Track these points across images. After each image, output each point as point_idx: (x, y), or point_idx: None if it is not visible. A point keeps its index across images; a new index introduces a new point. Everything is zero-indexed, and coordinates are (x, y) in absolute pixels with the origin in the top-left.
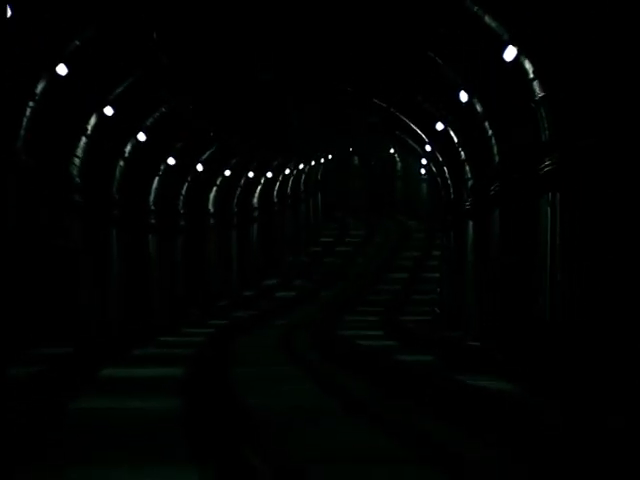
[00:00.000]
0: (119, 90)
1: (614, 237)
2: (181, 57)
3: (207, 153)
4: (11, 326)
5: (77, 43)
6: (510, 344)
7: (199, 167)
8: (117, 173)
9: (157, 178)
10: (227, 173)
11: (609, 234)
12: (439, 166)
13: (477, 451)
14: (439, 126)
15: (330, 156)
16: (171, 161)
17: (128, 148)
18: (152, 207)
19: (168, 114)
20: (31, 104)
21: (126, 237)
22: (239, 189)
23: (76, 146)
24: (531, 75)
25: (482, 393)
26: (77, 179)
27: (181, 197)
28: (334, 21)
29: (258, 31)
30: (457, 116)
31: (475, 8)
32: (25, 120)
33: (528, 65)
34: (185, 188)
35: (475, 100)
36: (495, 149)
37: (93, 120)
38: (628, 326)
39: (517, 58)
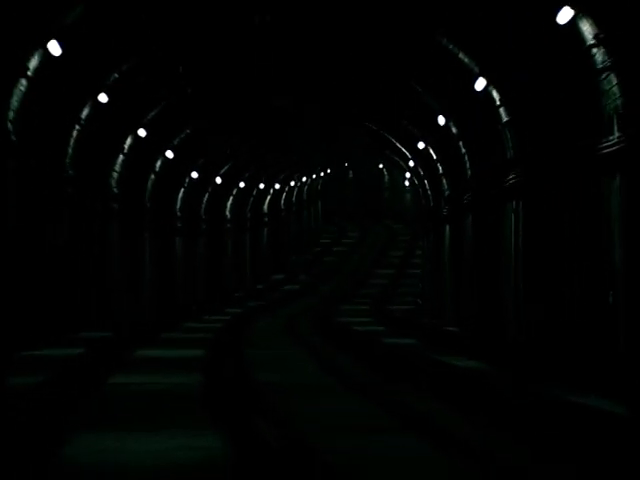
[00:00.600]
0: (151, 115)
1: (563, 236)
2: (202, 87)
3: (225, 168)
4: (55, 312)
5: (116, 75)
6: (480, 330)
7: (218, 180)
8: (149, 185)
9: (182, 189)
10: (241, 185)
11: (559, 234)
12: (420, 179)
13: (449, 417)
14: (420, 145)
15: (329, 170)
16: (194, 175)
17: (158, 164)
18: (178, 213)
19: (192, 135)
20: (77, 127)
21: (156, 239)
22: (252, 198)
23: (114, 162)
24: (498, 102)
25: (455, 370)
26: (115, 190)
27: (203, 205)
28: (335, 63)
29: (270, 66)
30: (436, 137)
31: (451, 46)
32: (72, 140)
33: (495, 94)
34: (206, 197)
35: (451, 123)
36: (468, 165)
37: (129, 140)
38: (571, 308)
39: (486, 88)
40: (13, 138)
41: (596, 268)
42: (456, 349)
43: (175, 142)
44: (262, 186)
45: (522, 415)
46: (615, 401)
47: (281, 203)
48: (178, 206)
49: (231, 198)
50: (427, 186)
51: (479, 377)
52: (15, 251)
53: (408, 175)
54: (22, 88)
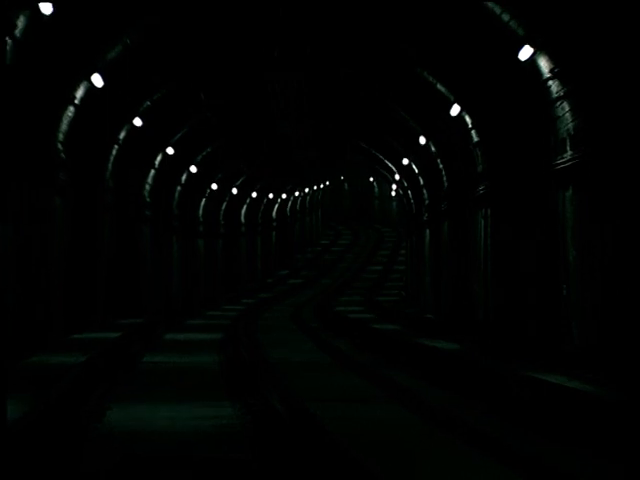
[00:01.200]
0: (177, 136)
1: (524, 238)
2: (221, 113)
3: (239, 181)
4: (97, 302)
5: (148, 103)
6: (454, 317)
7: (234, 191)
8: (176, 195)
9: (204, 199)
10: (254, 195)
11: (521, 236)
12: (405, 190)
13: (429, 390)
14: (405, 161)
15: (327, 183)
16: (214, 186)
17: (184, 177)
18: (201, 219)
19: (212, 153)
20: (116, 146)
21: (182, 241)
22: (262, 206)
23: (147, 175)
24: (470, 126)
25: (433, 349)
26: (148, 199)
27: (221, 212)
28: (333, 94)
29: (278, 99)
30: (418, 154)
31: (430, 78)
32: (112, 157)
33: (468, 119)
34: (224, 205)
35: (430, 143)
36: (445, 178)
37: (159, 157)
38: (532, 298)
39: (460, 114)
40: (63, 156)
41: (553, 265)
42: (433, 333)
43: (198, 159)
44: (271, 196)
45: (483, 385)
46: (558, 374)
47: (287, 210)
48: (200, 213)
49: (245, 206)
50: (410, 196)
51: (451, 355)
52: (67, 251)
53: (394, 186)
54: (70, 114)
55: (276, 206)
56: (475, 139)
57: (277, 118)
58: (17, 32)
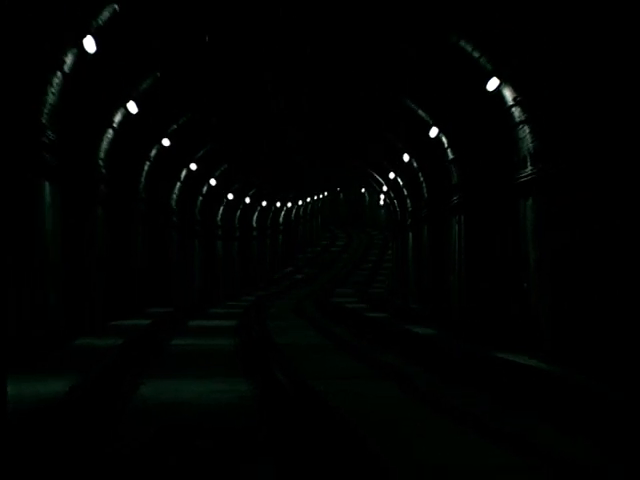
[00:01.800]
0: (199, 154)
1: (492, 241)
2: (236, 138)
3: (251, 192)
4: (132, 295)
5: (175, 126)
6: (434, 307)
7: (247, 200)
8: (198, 204)
9: (222, 207)
10: (264, 203)
11: (489, 239)
12: (391, 199)
13: (412, 368)
14: (391, 175)
15: (326, 193)
16: (230, 196)
17: (205, 189)
18: (219, 224)
19: (228, 169)
20: (147, 163)
21: (203, 243)
22: (271, 213)
23: (174, 188)
24: (446, 145)
25: (416, 334)
26: (175, 207)
27: (236, 218)
28: (329, 119)
29: (285, 118)
30: (402, 170)
31: (413, 105)
32: (144, 172)
33: (444, 139)
34: (238, 213)
35: (413, 160)
36: (425, 189)
37: (184, 172)
38: (498, 292)
39: (438, 135)
40: (103, 170)
41: (516, 264)
42: (416, 320)
43: (216, 173)
44: (278, 204)
45: (455, 363)
46: (519, 354)
47: (292, 216)
48: (219, 218)
49: (256, 213)
50: (396, 204)
51: (430, 339)
52: (108, 251)
53: (382, 196)
54: (109, 136)
55: (282, 213)
56: (450, 156)
57: (282, 140)
58: (66, 67)
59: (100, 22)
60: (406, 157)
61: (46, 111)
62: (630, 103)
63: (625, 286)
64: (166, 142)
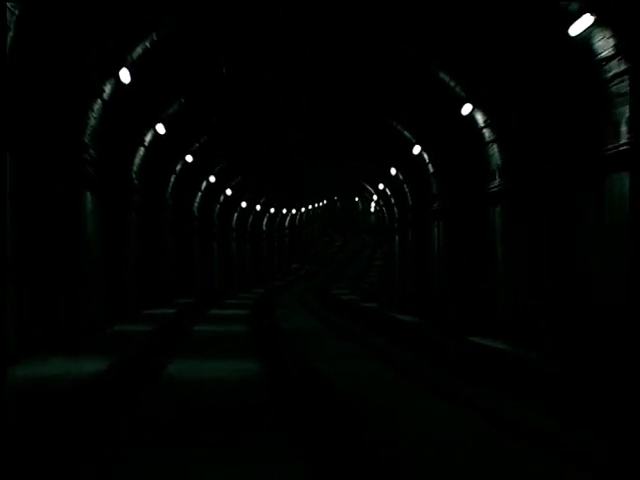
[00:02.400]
0: (217, 168)
1: (466, 242)
2: (245, 154)
3: (261, 200)
4: (160, 288)
5: (197, 145)
6: (416, 298)
7: (257, 207)
8: (216, 210)
9: (236, 213)
10: (272, 210)
11: (464, 240)
12: (381, 207)
13: (398, 350)
14: (381, 186)
15: (325, 201)
16: (243, 204)
17: (221, 198)
18: (234, 227)
19: (242, 181)
20: (173, 176)
21: (220, 244)
22: (278, 218)
23: (196, 197)
24: (427, 161)
25: (401, 321)
26: (196, 214)
27: (248, 223)
28: (327, 142)
29: (290, 138)
30: (390, 181)
31: (399, 126)
32: (170, 184)
33: (426, 156)
34: (250, 218)
35: (399, 173)
36: (409, 198)
37: (204, 184)
38: (471, 285)
39: (421, 152)
40: (136, 182)
41: (487, 261)
42: (401, 310)
43: (232, 184)
44: (285, 211)
45: (432, 345)
46: (487, 337)
47: (296, 221)
48: (234, 223)
49: (265, 218)
50: (384, 211)
51: (412, 325)
52: (139, 252)
53: (373, 204)
54: (141, 152)
55: (288, 218)
56: (431, 170)
57: (289, 156)
58: (105, 95)
59: (134, 57)
60: (393, 171)
61: (88, 132)
62: (567, 133)
63: (563, 277)
64: (189, 158)
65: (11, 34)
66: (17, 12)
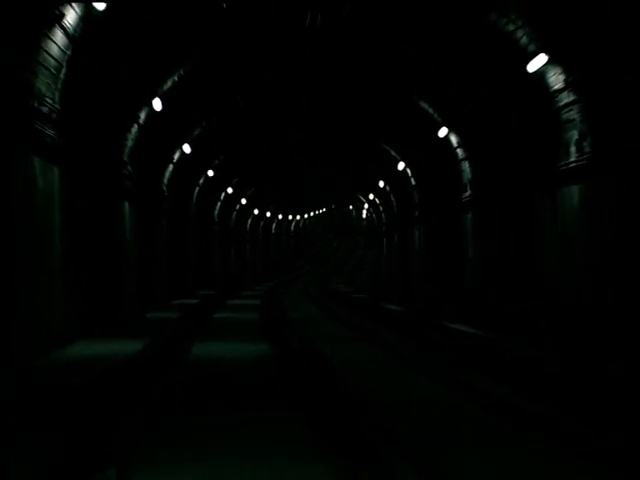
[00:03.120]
0: (234, 181)
1: (442, 243)
2: (257, 170)
3: (271, 208)
4: (185, 282)
5: (217, 161)
6: (401, 290)
7: (268, 214)
8: (233, 217)
9: (250, 219)
10: (280, 216)
11: (440, 242)
12: (371, 213)
13: (388, 334)
14: (371, 196)
15: (324, 209)
16: (256, 211)
17: (237, 206)
18: (248, 231)
19: (256, 191)
20: (197, 188)
21: (236, 245)
22: (284, 223)
23: (216, 206)
24: (410, 175)
25: (388, 310)
26: (216, 219)
27: (260, 226)
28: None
29: (297, 160)
30: (378, 193)
31: (387, 147)
32: (194, 195)
33: (409, 171)
34: (262, 223)
35: (387, 185)
36: (395, 206)
37: (223, 194)
38: (447, 278)
39: (404, 168)
40: (166, 193)
41: (460, 256)
42: (388, 300)
43: (247, 194)
44: (290, 217)
45: (414, 330)
46: (459, 323)
47: (300, 226)
48: (248, 228)
49: (274, 223)
50: (374, 217)
51: (397, 313)
52: (169, 252)
53: (365, 211)
54: (170, 169)
55: (293, 223)
56: (413, 183)
57: (295, 173)
58: (140, 120)
59: (164, 89)
60: (381, 183)
61: (126, 151)
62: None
63: (522, 274)
64: (210, 173)
65: (64, 71)
66: (69, 53)
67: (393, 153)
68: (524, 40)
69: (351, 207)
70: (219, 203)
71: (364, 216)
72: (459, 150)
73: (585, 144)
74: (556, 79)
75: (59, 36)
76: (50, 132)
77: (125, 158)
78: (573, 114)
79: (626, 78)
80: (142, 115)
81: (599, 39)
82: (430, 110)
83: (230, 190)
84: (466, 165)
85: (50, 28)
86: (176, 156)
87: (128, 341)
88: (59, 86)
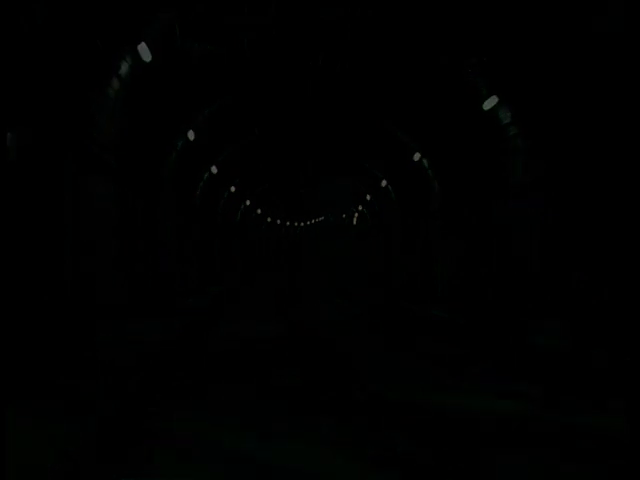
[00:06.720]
0: (258, 190)
1: (414, 243)
2: (270, 186)
3: (280, 216)
4: (204, 280)
5: (237, 180)
6: (384, 281)
7: (278, 221)
8: (250, 222)
9: (263, 226)
10: (287, 223)
11: (412, 243)
12: (359, 220)
13: (391, 326)
14: (360, 207)
15: (322, 218)
16: (269, 219)
17: (253, 215)
18: (262, 232)
19: (268, 204)
20: (222, 200)
21: (252, 244)
22: (291, 229)
23: (237, 213)
24: (391, 190)
25: (368, 294)
26: (238, 224)
27: (272, 231)
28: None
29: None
30: (366, 205)
31: (368, 165)
32: (220, 205)
33: (390, 188)
34: (274, 228)
35: (373, 199)
36: (379, 216)
37: (242, 206)
38: (419, 272)
39: (387, 185)
40: (198, 202)
41: (428, 260)
42: (371, 288)
43: (262, 205)
44: (296, 224)
45: (396, 313)
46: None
47: (303, 230)
48: (262, 230)
49: (283, 228)
50: (362, 223)
51: (381, 303)
52: (200, 250)
53: (355, 219)
54: (201, 185)
55: (298, 230)
56: (394, 197)
57: (296, 184)
58: (178, 147)
59: (197, 122)
60: (368, 197)
61: (167, 171)
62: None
63: (479, 268)
64: (232, 189)
65: (119, 106)
66: (123, 93)
67: (377, 173)
68: (480, 84)
69: (344, 216)
70: (239, 213)
71: (354, 222)
72: (430, 171)
73: (528, 166)
74: (505, 115)
75: (115, 81)
76: (108, 157)
77: (165, 175)
78: (519, 142)
79: (558, 116)
80: (179, 144)
81: (540, 84)
82: (404, 137)
83: (248, 202)
84: (435, 183)
85: (109, 75)
86: (206, 175)
87: (171, 321)
88: (114, 119)
